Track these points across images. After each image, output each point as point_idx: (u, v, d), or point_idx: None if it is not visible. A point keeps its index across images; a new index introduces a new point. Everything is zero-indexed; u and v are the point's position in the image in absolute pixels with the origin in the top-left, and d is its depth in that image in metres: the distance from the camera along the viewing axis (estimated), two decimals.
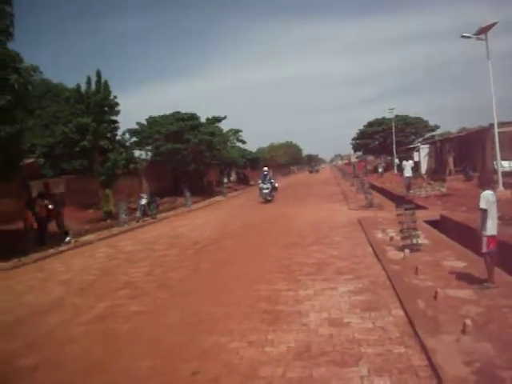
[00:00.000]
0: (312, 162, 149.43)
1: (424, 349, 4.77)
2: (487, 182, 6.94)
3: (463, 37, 19.38)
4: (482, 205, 6.51)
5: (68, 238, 16.89)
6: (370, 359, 4.74)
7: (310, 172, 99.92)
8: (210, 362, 5.12)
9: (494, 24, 18.09)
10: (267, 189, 27.74)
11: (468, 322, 5.07)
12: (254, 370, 4.77)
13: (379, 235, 11.81)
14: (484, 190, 6.69)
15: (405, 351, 4.87)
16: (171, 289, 8.78)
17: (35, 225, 16.57)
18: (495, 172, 19.13)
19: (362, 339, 5.28)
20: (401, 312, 6.01)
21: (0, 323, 7.67)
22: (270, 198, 27.57)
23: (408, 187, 23.86)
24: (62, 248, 15.94)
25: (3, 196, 22.02)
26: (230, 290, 8.17)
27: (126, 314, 7.40)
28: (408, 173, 24.70)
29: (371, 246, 10.66)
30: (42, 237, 16.61)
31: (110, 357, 5.64)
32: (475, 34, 18.95)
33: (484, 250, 6.57)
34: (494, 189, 6.93)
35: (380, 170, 47.58)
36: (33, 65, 15.01)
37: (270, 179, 28.53)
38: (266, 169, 29.56)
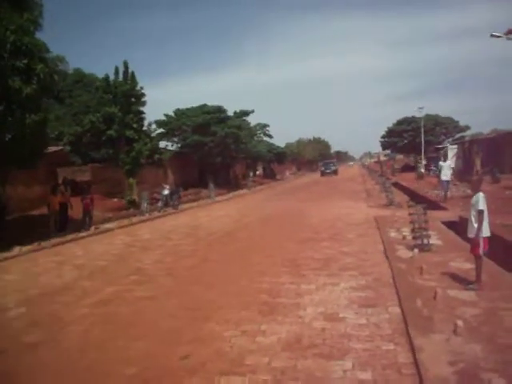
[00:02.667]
0: (342, 158, 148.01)
1: (412, 347, 4.78)
2: (478, 185, 6.93)
3: (493, 36, 19.02)
4: (481, 206, 6.45)
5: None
6: (357, 354, 4.77)
7: (322, 174, 64.33)
8: (201, 348, 5.24)
9: None
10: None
11: (460, 322, 5.05)
12: (242, 358, 4.86)
13: (393, 234, 11.75)
14: (477, 192, 6.66)
15: (393, 348, 4.88)
16: (178, 277, 8.96)
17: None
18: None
19: (353, 334, 5.30)
20: (397, 310, 6.01)
21: (10, 302, 7.93)
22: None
23: (445, 194, 19.18)
24: (82, 234, 16.30)
25: (31, 182, 22.58)
26: (235, 280, 8.28)
27: (131, 298, 7.60)
28: (446, 175, 19.73)
29: (383, 244, 10.62)
30: (64, 222, 16.99)
31: (107, 337, 5.84)
32: (505, 34, 18.59)
33: (481, 252, 6.52)
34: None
35: (421, 170, 39.90)
36: (59, 55, 15.30)
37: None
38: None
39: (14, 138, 14.42)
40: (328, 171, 63.14)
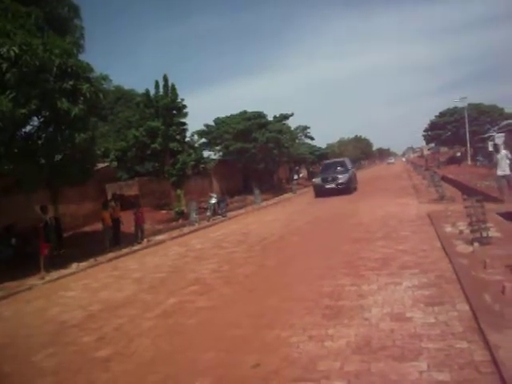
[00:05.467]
0: (384, 155, 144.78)
1: (487, 344, 4.64)
2: None
3: None
4: None
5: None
6: (431, 354, 4.66)
7: (318, 194, 57.48)
8: (270, 355, 5.24)
9: None
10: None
11: None
12: (313, 364, 4.83)
13: (448, 229, 11.47)
14: None
15: (467, 346, 4.74)
16: (236, 285, 8.99)
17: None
18: None
19: (424, 334, 5.19)
20: (466, 307, 5.84)
21: (75, 319, 8.17)
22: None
23: (502, 191, 15.86)
24: (135, 247, 16.64)
25: (81, 199, 23.25)
26: (294, 285, 8.26)
27: (193, 309, 7.68)
28: (503, 170, 16.12)
29: (439, 239, 10.38)
30: (117, 237, 17.39)
31: (176, 349, 5.92)
32: None
33: None
34: None
35: (458, 154, 36.45)
36: (103, 73, 15.68)
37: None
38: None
39: (65, 157, 14.90)
40: (330, 186, 29.67)
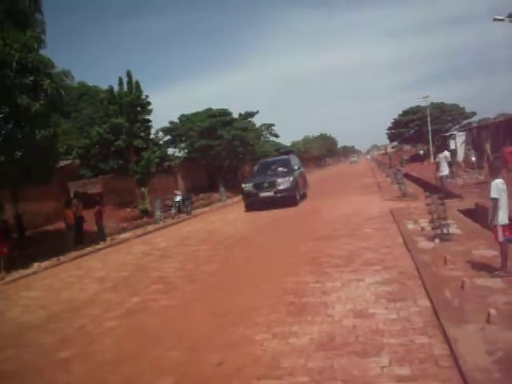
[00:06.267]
0: (349, 153, 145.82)
1: (446, 339, 4.74)
2: (497, 170, 6.94)
3: (495, 20, 18.90)
4: (493, 194, 6.49)
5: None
6: (392, 349, 4.74)
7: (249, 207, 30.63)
8: (234, 353, 5.23)
9: None
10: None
11: (492, 311, 5.00)
12: (277, 361, 4.85)
13: (411, 226, 11.68)
14: (495, 178, 6.66)
15: (427, 341, 4.83)
16: (201, 283, 8.96)
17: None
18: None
19: (385, 330, 5.27)
20: (426, 302, 5.95)
21: (37, 320, 8.01)
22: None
23: (443, 188, 16.82)
24: (98, 246, 16.40)
25: (43, 198, 22.78)
26: (258, 283, 8.27)
27: (157, 308, 7.64)
28: (444, 170, 17.63)
29: (402, 236, 10.55)
30: (80, 235, 17.12)
31: (139, 349, 5.86)
32: (508, 17, 18.47)
33: (501, 238, 6.51)
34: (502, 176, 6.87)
35: (421, 152, 42.53)
36: (65, 69, 15.44)
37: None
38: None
39: (25, 154, 14.56)
40: (265, 194, 21.62)
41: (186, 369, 5.03)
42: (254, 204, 21.74)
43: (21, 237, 17.36)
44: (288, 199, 21.03)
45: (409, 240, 9.87)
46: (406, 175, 29.20)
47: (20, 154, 14.60)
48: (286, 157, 27.11)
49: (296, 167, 24.01)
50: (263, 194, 21.39)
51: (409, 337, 5.01)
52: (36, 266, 13.75)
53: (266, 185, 21.49)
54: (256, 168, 26.22)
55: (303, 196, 23.87)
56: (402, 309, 5.88)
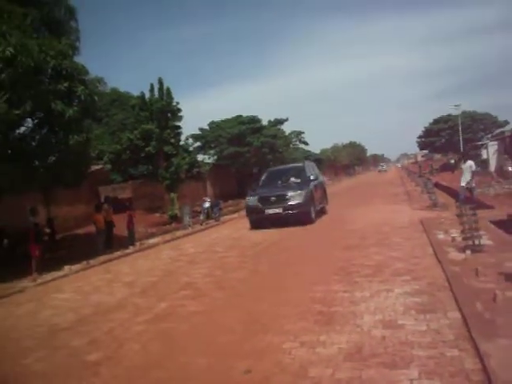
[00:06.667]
0: (378, 161, 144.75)
1: (478, 352, 4.65)
2: None
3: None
4: None
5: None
6: (422, 362, 4.66)
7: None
8: (262, 360, 5.23)
9: None
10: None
11: None
12: (304, 370, 4.83)
13: (441, 236, 11.51)
14: None
15: (458, 354, 4.74)
16: (229, 290, 8.97)
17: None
18: None
19: (415, 341, 5.20)
20: (457, 314, 5.85)
21: (66, 322, 8.14)
22: None
23: (473, 199, 16.06)
24: (128, 251, 16.58)
25: (74, 202, 23.18)
26: (287, 291, 8.26)
27: (185, 313, 7.66)
28: (465, 181, 16.78)
29: (432, 247, 10.40)
30: (110, 240, 17.35)
31: (167, 354, 5.89)
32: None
33: None
34: None
35: (452, 161, 41.96)
36: (98, 76, 15.76)
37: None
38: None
39: (59, 159, 14.83)
40: (272, 210, 17.87)
41: (214, 375, 5.05)
42: (258, 222, 18.45)
43: (52, 240, 17.67)
44: (300, 217, 17.54)
45: (439, 250, 9.73)
46: (437, 184, 28.81)
47: (54, 158, 14.89)
48: (299, 164, 22.46)
49: (312, 177, 19.83)
50: (270, 211, 17.89)
51: (439, 349, 4.92)
52: (67, 268, 13.98)
53: (273, 199, 17.99)
54: (263, 177, 21.32)
55: (321, 211, 20.85)
56: (432, 320, 5.79)
